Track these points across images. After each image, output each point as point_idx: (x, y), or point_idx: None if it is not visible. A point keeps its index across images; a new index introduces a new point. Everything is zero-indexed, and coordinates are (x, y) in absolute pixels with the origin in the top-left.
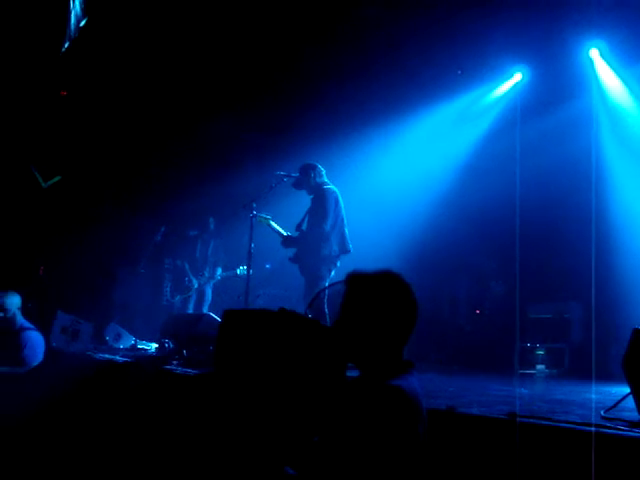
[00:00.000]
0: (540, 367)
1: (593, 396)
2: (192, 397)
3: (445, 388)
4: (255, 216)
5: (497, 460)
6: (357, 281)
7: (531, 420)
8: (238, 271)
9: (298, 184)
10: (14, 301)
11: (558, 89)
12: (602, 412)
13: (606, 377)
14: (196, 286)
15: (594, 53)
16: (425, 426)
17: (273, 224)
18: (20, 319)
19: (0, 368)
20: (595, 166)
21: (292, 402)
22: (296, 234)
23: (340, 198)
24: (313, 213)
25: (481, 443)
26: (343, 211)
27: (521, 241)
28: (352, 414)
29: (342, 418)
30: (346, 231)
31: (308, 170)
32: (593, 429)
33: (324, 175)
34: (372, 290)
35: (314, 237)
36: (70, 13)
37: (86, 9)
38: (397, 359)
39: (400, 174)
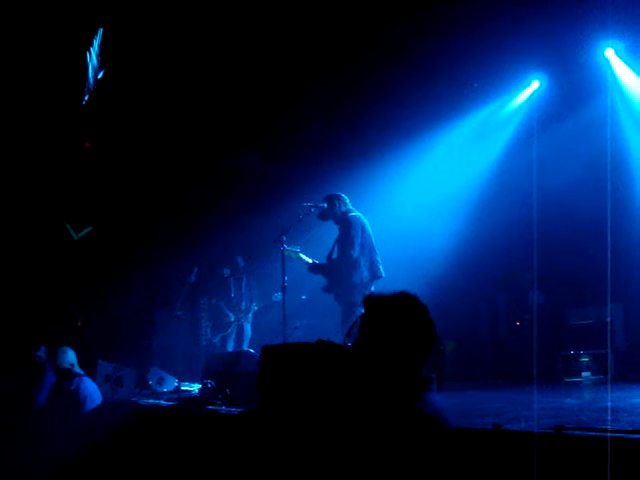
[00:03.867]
0: (586, 374)
1: None
2: (236, 436)
3: (490, 405)
4: (285, 250)
5: (546, 476)
6: (375, 303)
7: (578, 432)
8: (273, 297)
9: (323, 215)
10: (67, 357)
11: (575, 93)
12: None
13: None
14: (233, 319)
15: (610, 53)
16: (452, 439)
17: (302, 256)
18: (75, 373)
19: None
20: (618, 166)
21: (338, 434)
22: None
23: (367, 224)
24: (341, 242)
25: (529, 459)
26: (372, 237)
27: (554, 248)
28: (382, 441)
29: (369, 444)
30: (376, 257)
31: (332, 200)
32: None
33: (348, 203)
34: (389, 312)
35: (343, 265)
36: (88, 66)
37: (103, 61)
38: (417, 378)
39: (425, 194)
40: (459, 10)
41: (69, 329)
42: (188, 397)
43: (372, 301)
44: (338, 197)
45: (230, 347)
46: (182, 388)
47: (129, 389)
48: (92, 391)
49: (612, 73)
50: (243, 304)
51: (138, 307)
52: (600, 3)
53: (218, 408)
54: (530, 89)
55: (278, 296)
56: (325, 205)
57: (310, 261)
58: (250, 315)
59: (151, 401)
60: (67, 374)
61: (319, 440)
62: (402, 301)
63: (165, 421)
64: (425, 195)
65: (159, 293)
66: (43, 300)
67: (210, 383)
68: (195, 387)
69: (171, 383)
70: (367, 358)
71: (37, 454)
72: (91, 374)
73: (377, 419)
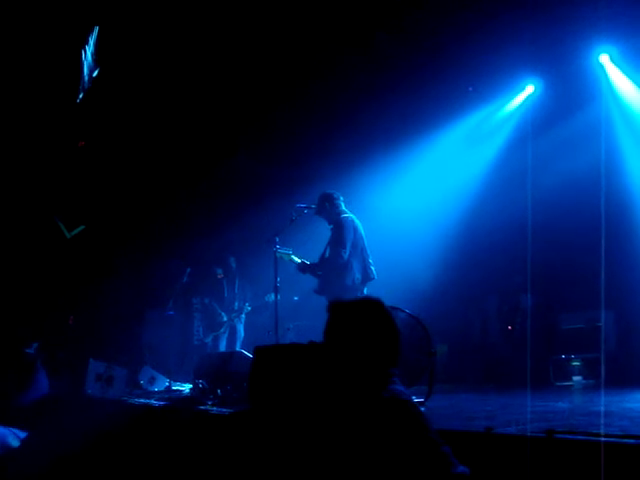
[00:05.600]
0: (577, 378)
1: (632, 405)
2: (227, 436)
3: (482, 408)
4: (277, 251)
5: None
6: (338, 309)
7: (569, 436)
8: (266, 298)
9: (319, 212)
10: None
11: (570, 97)
12: None
13: None
14: (225, 319)
15: (604, 58)
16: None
17: (294, 258)
18: None
19: None
20: (612, 171)
21: (329, 434)
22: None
23: (360, 226)
24: (333, 243)
25: (520, 462)
26: (364, 239)
27: (546, 252)
28: (362, 432)
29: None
30: (368, 259)
31: (325, 201)
32: (632, 441)
33: (342, 204)
34: (351, 316)
35: (335, 267)
36: (83, 64)
37: (98, 59)
38: (382, 374)
39: (418, 197)
40: (455, 15)
41: (61, 328)
42: (179, 397)
43: (335, 306)
44: (331, 197)
45: (222, 347)
46: (173, 388)
47: (120, 388)
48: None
49: (606, 79)
50: (236, 304)
51: (130, 307)
52: (595, 9)
53: (209, 408)
54: (525, 94)
55: (271, 297)
56: (318, 205)
57: (299, 261)
58: (243, 316)
59: (142, 400)
60: None
61: (309, 439)
62: (364, 306)
63: (156, 421)
64: (418, 198)
65: (151, 293)
66: (35, 299)
67: (201, 383)
68: (187, 387)
69: (162, 383)
70: (332, 359)
71: None
72: (82, 373)
73: (351, 413)
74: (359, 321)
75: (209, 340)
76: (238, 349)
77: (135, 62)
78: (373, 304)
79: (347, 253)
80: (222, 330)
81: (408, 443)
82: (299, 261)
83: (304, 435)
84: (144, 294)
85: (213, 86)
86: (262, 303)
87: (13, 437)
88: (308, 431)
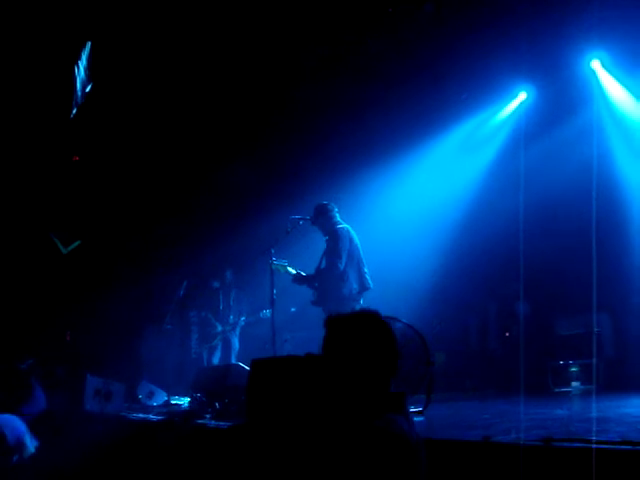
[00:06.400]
0: (575, 384)
1: (630, 410)
2: (225, 450)
3: (480, 416)
4: (273, 263)
5: None
6: (336, 324)
7: (566, 444)
8: (261, 314)
9: (314, 223)
10: None
11: (562, 103)
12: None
13: None
14: (219, 329)
15: (596, 64)
16: (417, 458)
17: (290, 269)
18: None
19: None
20: (605, 177)
21: (320, 449)
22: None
23: (355, 236)
24: (328, 254)
25: (518, 472)
26: (360, 249)
27: (542, 259)
28: (344, 459)
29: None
30: (364, 269)
31: (321, 212)
32: (629, 447)
33: (336, 215)
34: (350, 330)
35: (331, 278)
36: (76, 80)
37: (91, 75)
38: (384, 394)
39: (413, 205)
40: (447, 22)
41: (58, 343)
42: (177, 411)
43: (333, 321)
44: (325, 209)
45: (216, 359)
46: (172, 402)
47: (119, 403)
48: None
49: (598, 84)
50: (231, 317)
51: (127, 321)
52: (586, 15)
53: (207, 422)
54: (517, 100)
55: (267, 313)
56: (313, 216)
57: (295, 273)
58: (238, 329)
59: (140, 415)
60: None
61: (305, 455)
62: (361, 319)
63: (154, 435)
64: (413, 206)
65: (149, 307)
66: (32, 314)
67: (199, 397)
68: (185, 401)
69: (161, 397)
70: (331, 374)
71: None
72: (80, 389)
73: (339, 437)
74: (357, 334)
75: (204, 352)
76: (233, 361)
77: (128, 77)
78: (370, 317)
79: (343, 264)
80: (215, 342)
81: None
82: (295, 272)
83: (300, 450)
84: (141, 308)
85: (208, 98)
86: (257, 318)
87: (31, 440)
88: (304, 447)
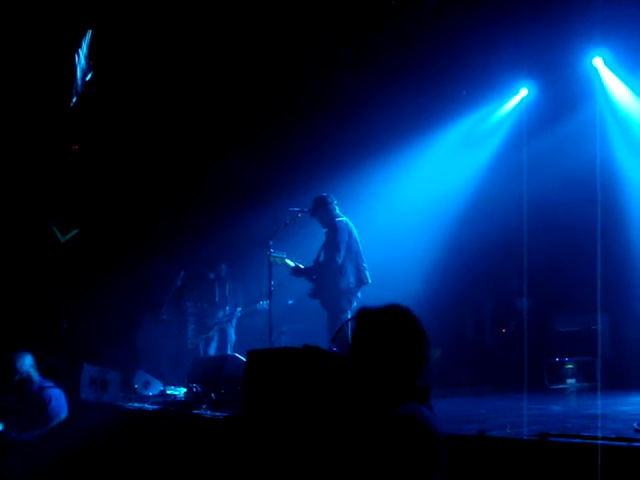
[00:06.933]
0: (571, 381)
1: (625, 408)
2: (221, 440)
3: (476, 411)
4: (271, 255)
5: None
6: (366, 317)
7: (562, 439)
8: (257, 306)
9: (313, 215)
10: (25, 361)
11: (564, 100)
12: (635, 424)
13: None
14: (215, 320)
15: (598, 62)
16: (440, 448)
17: (288, 261)
18: (37, 378)
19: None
20: (607, 174)
21: (322, 439)
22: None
23: (354, 230)
24: (327, 247)
25: (513, 466)
26: (358, 242)
27: (541, 255)
28: (363, 447)
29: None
30: (363, 263)
31: (318, 204)
32: (624, 444)
33: (336, 208)
34: (381, 325)
35: (329, 271)
36: (76, 68)
37: (92, 63)
38: (410, 388)
39: (413, 200)
40: (449, 18)
41: (54, 332)
42: (173, 401)
43: (364, 314)
44: (325, 201)
45: (212, 350)
46: (168, 392)
47: (115, 392)
48: (62, 403)
49: (600, 81)
50: (227, 308)
51: (124, 310)
52: (589, 12)
53: (203, 412)
54: (519, 97)
55: (264, 304)
56: (312, 209)
57: (293, 265)
58: (234, 320)
59: (136, 405)
60: (29, 380)
61: (303, 445)
62: (394, 314)
63: (150, 425)
64: (413, 202)
65: (145, 297)
66: (29, 303)
67: (195, 387)
68: (181, 391)
69: (157, 387)
70: (358, 370)
71: None
72: (76, 377)
73: (358, 426)
74: (389, 329)
75: (200, 343)
76: (230, 352)
77: (129, 65)
78: (402, 311)
79: (341, 257)
80: (211, 333)
81: (400, 465)
82: (293, 265)
83: (296, 441)
84: (139, 298)
85: (207, 89)
86: (253, 309)
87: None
88: (302, 437)
